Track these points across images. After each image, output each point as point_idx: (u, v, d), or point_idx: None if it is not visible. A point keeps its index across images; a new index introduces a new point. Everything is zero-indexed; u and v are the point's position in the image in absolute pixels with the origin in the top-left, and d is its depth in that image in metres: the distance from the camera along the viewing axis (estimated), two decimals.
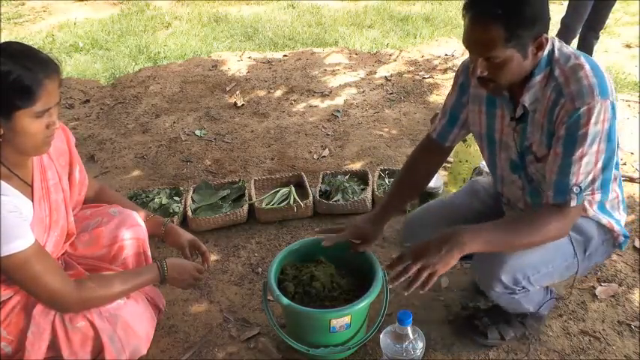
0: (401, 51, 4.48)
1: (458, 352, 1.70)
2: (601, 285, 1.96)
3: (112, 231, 1.61)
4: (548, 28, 1.36)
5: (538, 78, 1.41)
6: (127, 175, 2.82)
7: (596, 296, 1.92)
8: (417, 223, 1.81)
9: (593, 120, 1.32)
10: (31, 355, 1.39)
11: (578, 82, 1.34)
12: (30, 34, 5.34)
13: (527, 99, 1.44)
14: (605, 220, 1.56)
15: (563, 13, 3.98)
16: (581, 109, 1.32)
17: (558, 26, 4.10)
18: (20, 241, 1.25)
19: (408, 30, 5.25)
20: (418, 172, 1.78)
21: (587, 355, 1.70)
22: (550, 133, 1.42)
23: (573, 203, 1.38)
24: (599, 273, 2.02)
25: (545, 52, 1.38)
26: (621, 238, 1.61)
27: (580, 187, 1.37)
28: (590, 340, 1.75)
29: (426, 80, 3.87)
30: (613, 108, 1.34)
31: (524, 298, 1.58)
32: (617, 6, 4.23)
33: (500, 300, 1.58)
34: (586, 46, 4.06)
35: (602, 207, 1.56)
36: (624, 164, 2.77)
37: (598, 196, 1.40)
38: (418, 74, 3.97)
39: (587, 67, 1.36)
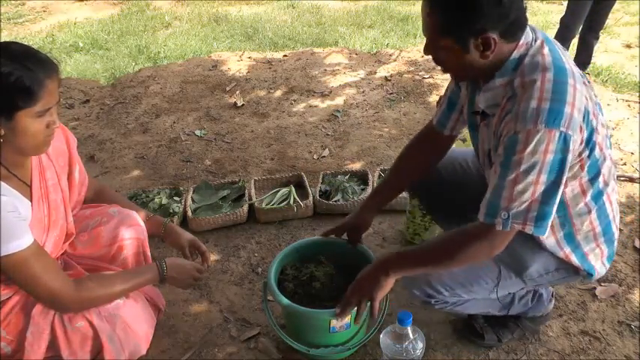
0: (401, 51, 4.48)
1: (458, 352, 1.70)
2: (601, 285, 1.96)
3: (111, 231, 1.61)
4: (508, 27, 1.25)
5: (498, 82, 1.32)
6: (127, 175, 2.82)
7: (596, 296, 1.91)
8: None
9: (530, 149, 1.22)
10: (30, 355, 1.39)
11: (527, 101, 1.23)
12: (30, 34, 5.34)
13: (482, 100, 1.38)
14: (562, 252, 1.45)
15: (563, 13, 3.98)
16: (519, 134, 1.23)
17: (558, 26, 4.11)
18: (19, 241, 1.25)
19: (408, 30, 5.25)
20: (413, 159, 1.75)
21: (587, 355, 1.70)
22: (497, 144, 1.35)
23: (499, 228, 1.29)
24: None
25: (516, 54, 1.29)
26: (583, 273, 1.50)
27: (508, 213, 1.27)
28: (590, 340, 1.75)
29: (426, 80, 3.87)
30: (564, 140, 1.22)
31: (459, 306, 1.57)
32: (617, 6, 4.23)
33: (431, 307, 1.58)
34: (586, 46, 4.06)
35: (568, 237, 1.45)
36: (624, 164, 2.77)
37: (529, 229, 1.28)
38: (418, 74, 3.97)
39: (546, 86, 1.23)
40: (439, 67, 1.40)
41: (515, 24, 1.26)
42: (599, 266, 1.50)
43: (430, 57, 1.39)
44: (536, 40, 1.31)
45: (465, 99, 1.56)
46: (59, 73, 1.29)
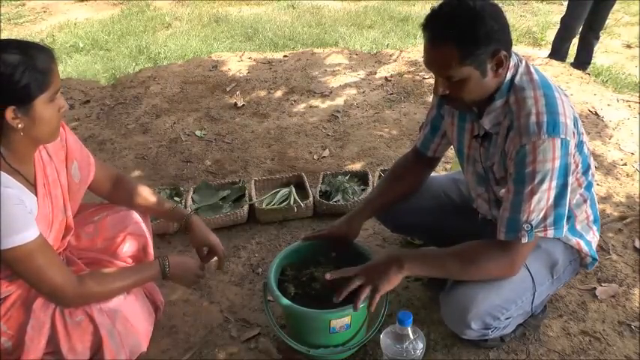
0: (401, 51, 4.48)
1: (458, 352, 1.70)
2: (601, 285, 1.96)
3: (115, 225, 1.63)
4: (508, 45, 1.34)
5: (498, 103, 1.41)
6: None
7: (597, 297, 1.91)
8: None
9: (539, 158, 1.32)
10: (30, 349, 1.40)
11: (527, 117, 1.34)
12: (30, 34, 5.35)
13: (487, 122, 1.45)
14: (574, 240, 1.57)
15: (563, 13, 3.99)
16: (526, 147, 1.33)
17: (558, 26, 4.11)
18: (25, 234, 1.26)
19: (408, 30, 5.26)
20: (402, 182, 1.81)
21: (587, 355, 1.70)
22: (505, 161, 1.44)
23: (524, 240, 1.39)
24: (599, 274, 2.02)
25: (509, 76, 1.39)
26: (588, 259, 1.62)
27: (531, 224, 1.37)
28: (590, 340, 1.75)
29: (426, 81, 3.87)
30: (565, 145, 1.33)
31: (502, 330, 1.60)
32: (617, 6, 4.24)
33: (478, 337, 1.59)
34: (586, 46, 4.07)
35: (572, 228, 1.56)
36: (624, 164, 2.77)
37: (551, 233, 1.39)
38: (418, 74, 3.97)
39: (540, 101, 1.34)
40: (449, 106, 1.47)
41: (511, 42, 1.36)
42: (595, 253, 1.63)
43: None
44: (521, 61, 1.42)
45: (450, 127, 1.66)
46: (55, 56, 1.33)
